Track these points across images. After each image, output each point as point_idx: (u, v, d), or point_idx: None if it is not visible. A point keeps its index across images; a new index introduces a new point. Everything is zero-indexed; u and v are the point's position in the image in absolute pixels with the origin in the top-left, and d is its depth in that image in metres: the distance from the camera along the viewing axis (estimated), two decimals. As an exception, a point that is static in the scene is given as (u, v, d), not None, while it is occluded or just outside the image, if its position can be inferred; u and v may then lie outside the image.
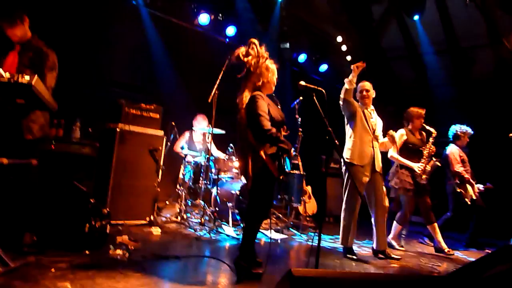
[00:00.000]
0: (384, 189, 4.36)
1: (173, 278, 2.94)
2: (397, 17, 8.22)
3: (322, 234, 5.56)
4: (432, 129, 4.95)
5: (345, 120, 4.47)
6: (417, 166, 4.82)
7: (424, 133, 5.15)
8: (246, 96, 3.08)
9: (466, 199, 5.26)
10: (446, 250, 4.87)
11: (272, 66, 3.20)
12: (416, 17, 7.24)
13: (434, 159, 4.92)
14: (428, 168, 4.82)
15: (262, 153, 2.94)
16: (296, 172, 5.38)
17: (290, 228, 5.51)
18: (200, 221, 4.83)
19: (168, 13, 6.20)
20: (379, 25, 8.49)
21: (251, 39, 3.23)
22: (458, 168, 5.32)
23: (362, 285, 1.40)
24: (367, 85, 4.46)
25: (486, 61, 7.74)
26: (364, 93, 4.41)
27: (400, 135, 5.00)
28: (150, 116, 4.84)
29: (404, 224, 5.10)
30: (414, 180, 4.85)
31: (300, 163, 5.78)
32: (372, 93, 4.45)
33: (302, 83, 3.01)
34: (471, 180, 5.37)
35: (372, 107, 4.47)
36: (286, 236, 5.06)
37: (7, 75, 2.48)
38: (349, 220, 4.23)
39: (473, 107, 7.81)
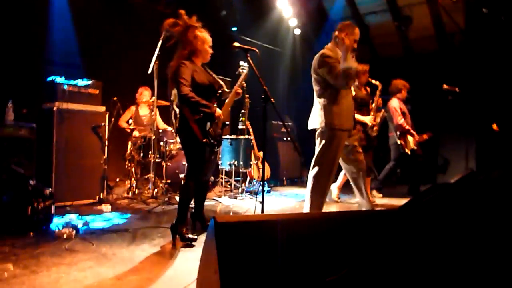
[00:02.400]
0: None
1: (121, 249, 2.94)
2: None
3: (276, 194, 5.78)
4: (377, 82, 5.04)
5: (320, 83, 3.64)
6: (368, 119, 4.91)
7: (368, 88, 5.24)
8: (173, 66, 3.14)
9: (406, 149, 5.54)
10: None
11: (202, 34, 3.22)
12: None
13: (382, 110, 5.13)
14: (378, 120, 5.02)
15: (188, 118, 3.07)
16: (243, 137, 5.43)
17: (244, 193, 5.61)
18: (152, 194, 4.81)
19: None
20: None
21: (180, 10, 3.25)
22: (399, 120, 5.57)
23: (284, 226, 1.46)
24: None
25: (423, 18, 7.99)
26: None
27: None
28: (89, 92, 4.66)
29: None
30: (365, 135, 4.96)
31: (250, 129, 5.83)
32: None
33: (236, 44, 3.00)
34: (412, 131, 5.65)
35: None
36: (239, 201, 5.16)
37: None
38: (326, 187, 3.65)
39: (415, 63, 8.14)
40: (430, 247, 1.54)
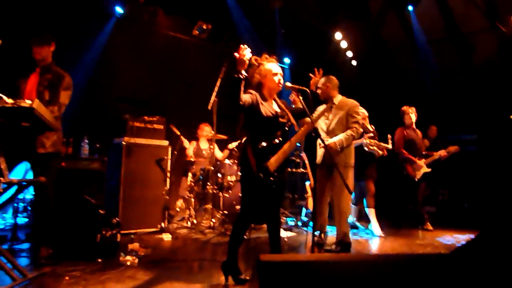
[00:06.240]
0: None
1: (179, 279, 3.09)
2: (395, 7, 8.22)
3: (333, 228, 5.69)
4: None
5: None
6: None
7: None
8: None
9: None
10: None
11: (265, 67, 3.02)
12: (410, 8, 7.25)
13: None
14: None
15: (247, 148, 2.87)
16: (299, 170, 5.49)
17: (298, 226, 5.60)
18: (209, 225, 4.99)
19: (167, 27, 6.45)
20: (378, 17, 8.51)
21: (253, 57, 2.97)
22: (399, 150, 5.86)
23: (332, 268, 1.48)
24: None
25: (487, 46, 7.65)
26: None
27: None
28: (154, 128, 5.04)
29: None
30: None
31: (306, 161, 5.87)
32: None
33: (288, 84, 3.13)
34: (416, 159, 5.86)
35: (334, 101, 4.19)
36: (294, 234, 5.16)
37: (10, 100, 2.69)
38: None
39: (477, 94, 7.77)
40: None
